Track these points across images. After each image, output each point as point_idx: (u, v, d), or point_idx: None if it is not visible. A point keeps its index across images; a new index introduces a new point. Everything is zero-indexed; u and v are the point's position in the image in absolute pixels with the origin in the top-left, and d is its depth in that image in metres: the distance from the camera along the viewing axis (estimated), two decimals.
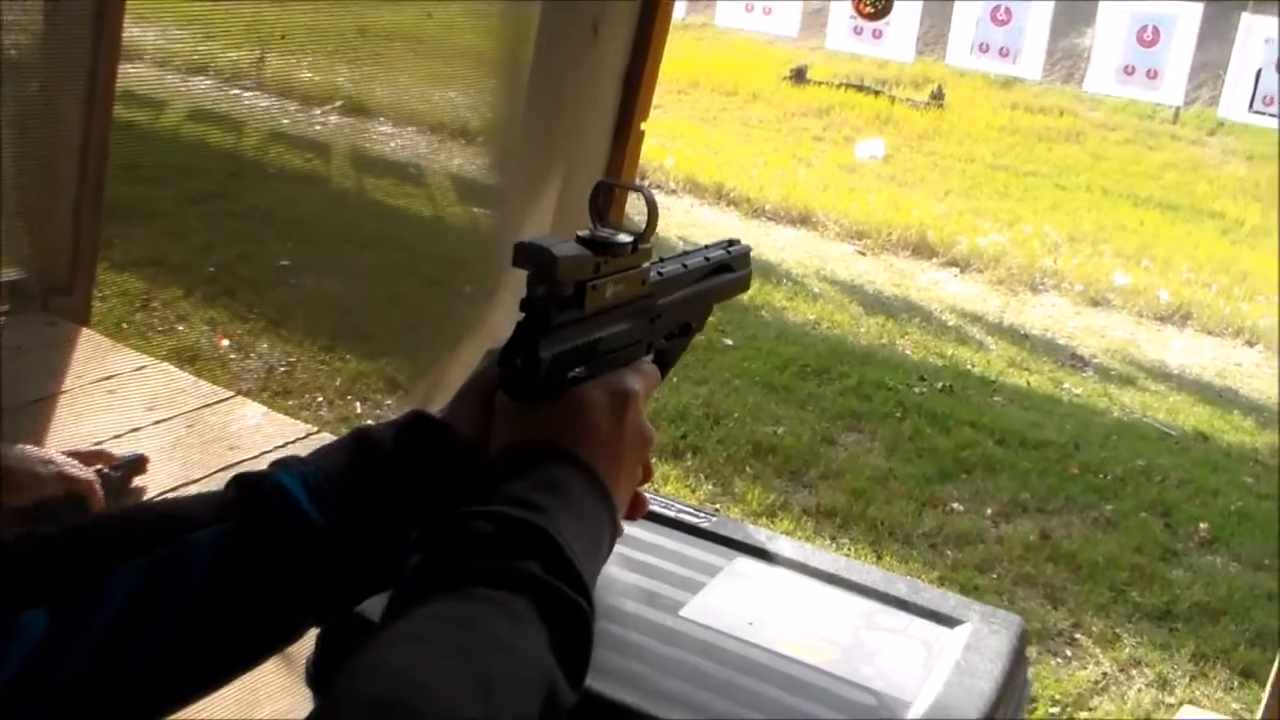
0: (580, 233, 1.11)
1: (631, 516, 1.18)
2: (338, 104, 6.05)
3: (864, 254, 10.44)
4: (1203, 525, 5.81)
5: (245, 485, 1.02)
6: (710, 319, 1.41)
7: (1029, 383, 7.70)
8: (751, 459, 5.89)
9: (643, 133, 2.48)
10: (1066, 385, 7.75)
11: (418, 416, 1.12)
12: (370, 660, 0.78)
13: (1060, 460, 6.37)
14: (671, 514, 1.70)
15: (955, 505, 5.71)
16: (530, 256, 1.04)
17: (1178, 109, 15.06)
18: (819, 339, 7.91)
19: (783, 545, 1.68)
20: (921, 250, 10.56)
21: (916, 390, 7.14)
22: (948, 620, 1.56)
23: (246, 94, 5.84)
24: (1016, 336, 8.67)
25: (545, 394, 1.07)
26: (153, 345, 5.32)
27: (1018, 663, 1.51)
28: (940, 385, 7.29)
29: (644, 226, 1.16)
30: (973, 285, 9.92)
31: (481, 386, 1.14)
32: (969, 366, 7.81)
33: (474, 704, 0.76)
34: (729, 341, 7.22)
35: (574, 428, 1.07)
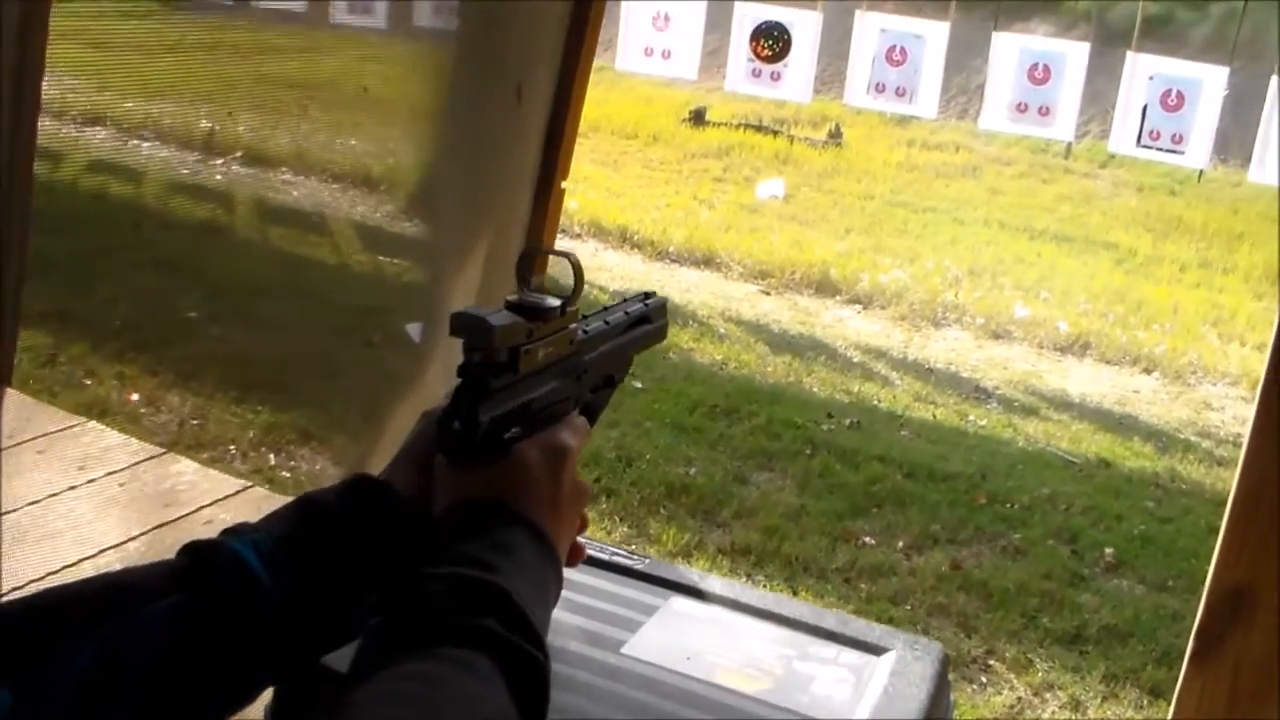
0: (510, 298, 1.16)
1: (570, 564, 1.23)
2: (238, 154, 6.03)
3: (768, 293, 10.52)
4: (1108, 550, 5.93)
5: (198, 554, 1.05)
6: None
7: (935, 416, 7.80)
8: (665, 500, 5.93)
9: (563, 191, 2.54)
10: (971, 417, 7.86)
11: (359, 479, 1.15)
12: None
13: (968, 491, 6.47)
14: (607, 557, 1.76)
15: (867, 539, 5.79)
16: (467, 326, 1.09)
17: (1069, 143, 15.31)
18: (727, 379, 7.97)
19: (715, 584, 1.75)
20: (824, 288, 10.66)
21: (825, 427, 7.22)
22: (874, 649, 1.63)
23: (145, 144, 5.82)
24: (921, 371, 8.78)
25: (484, 456, 1.11)
26: (60, 402, 5.27)
27: (941, 687, 1.58)
28: (848, 421, 7.38)
29: (571, 289, 1.22)
30: (876, 321, 10.03)
31: (419, 448, 1.18)
32: (875, 402, 7.91)
33: None
34: (639, 384, 7.26)
35: (516, 486, 1.11)
